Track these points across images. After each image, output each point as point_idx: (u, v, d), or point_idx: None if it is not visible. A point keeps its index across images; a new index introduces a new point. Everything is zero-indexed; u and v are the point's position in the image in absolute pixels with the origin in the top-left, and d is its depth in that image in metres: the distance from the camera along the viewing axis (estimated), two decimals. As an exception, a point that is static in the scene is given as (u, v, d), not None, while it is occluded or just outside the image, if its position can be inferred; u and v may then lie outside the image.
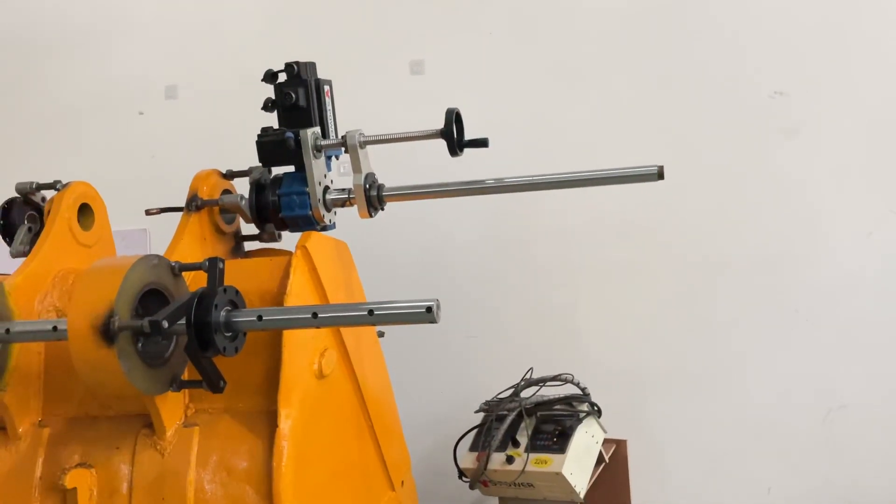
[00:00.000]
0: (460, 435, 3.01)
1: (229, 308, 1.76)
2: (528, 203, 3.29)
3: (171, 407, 1.92)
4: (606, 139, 3.43)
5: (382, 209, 2.28)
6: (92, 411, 2.01)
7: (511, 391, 3.05)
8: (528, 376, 3.08)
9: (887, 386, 3.30)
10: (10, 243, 2.32)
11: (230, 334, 1.75)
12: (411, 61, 3.64)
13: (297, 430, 1.89)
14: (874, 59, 3.29)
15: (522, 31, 3.57)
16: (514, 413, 2.91)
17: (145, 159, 3.85)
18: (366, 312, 1.66)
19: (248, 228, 2.40)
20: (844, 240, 3.33)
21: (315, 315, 1.71)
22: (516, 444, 2.85)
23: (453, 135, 2.22)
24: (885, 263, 3.30)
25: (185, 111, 3.86)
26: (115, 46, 3.96)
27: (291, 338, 1.94)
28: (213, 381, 1.79)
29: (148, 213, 2.39)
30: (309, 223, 2.25)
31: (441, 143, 2.24)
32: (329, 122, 2.34)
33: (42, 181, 2.32)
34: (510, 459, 2.80)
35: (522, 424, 2.89)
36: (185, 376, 1.88)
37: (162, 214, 2.35)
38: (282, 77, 2.27)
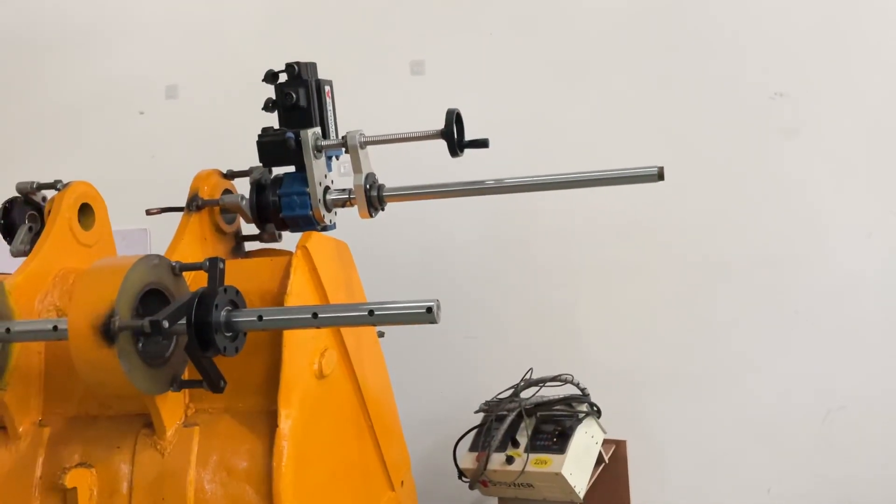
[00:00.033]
0: (460, 435, 3.01)
1: (230, 308, 1.76)
2: (528, 203, 3.28)
3: (172, 407, 1.92)
4: (607, 140, 3.43)
5: (383, 209, 2.28)
6: (92, 411, 2.01)
7: (511, 391, 3.05)
8: (527, 377, 3.08)
9: (886, 387, 3.30)
10: (10, 242, 2.33)
11: (231, 334, 1.75)
12: (412, 62, 3.64)
13: (297, 430, 1.89)
14: (874, 60, 3.29)
15: (523, 31, 3.57)
16: (514, 413, 2.91)
17: (146, 159, 3.85)
18: (366, 313, 1.66)
19: (249, 228, 2.40)
20: (844, 240, 3.33)
21: (315, 315, 1.71)
22: (516, 444, 2.85)
23: (454, 135, 2.22)
24: (885, 264, 3.30)
25: (186, 111, 3.86)
26: (116, 46, 3.95)
27: (292, 338, 1.94)
28: (213, 381, 1.79)
29: (148, 212, 2.39)
30: (309, 223, 2.25)
31: (441, 144, 2.24)
32: (329, 122, 2.34)
33: (42, 181, 2.33)
34: (510, 460, 2.80)
35: (522, 425, 2.89)
36: (186, 376, 1.88)
37: (162, 214, 2.35)
38: (282, 77, 2.27)
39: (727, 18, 3.40)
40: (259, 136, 2.27)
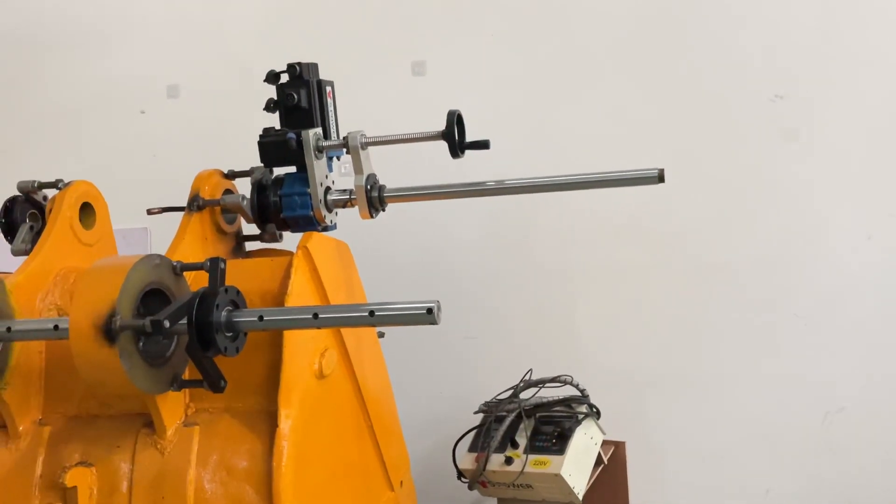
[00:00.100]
0: (459, 435, 3.02)
1: (230, 308, 1.76)
2: (529, 203, 3.28)
3: (172, 406, 1.92)
4: (607, 141, 3.43)
5: (383, 210, 2.29)
6: (92, 410, 2.01)
7: (510, 392, 3.06)
8: (527, 377, 3.09)
9: (885, 389, 3.30)
10: (11, 241, 2.33)
11: (231, 334, 1.75)
12: (413, 62, 3.64)
13: (297, 430, 1.89)
14: (874, 62, 3.29)
15: (524, 33, 3.57)
16: (514, 414, 2.91)
17: (147, 158, 3.85)
18: (367, 313, 1.66)
19: (250, 228, 2.40)
20: (844, 242, 3.33)
21: (316, 316, 1.71)
22: (515, 445, 2.86)
23: (455, 136, 2.23)
24: (885, 267, 3.30)
25: (187, 111, 3.85)
26: (117, 45, 3.95)
27: (292, 338, 1.94)
28: (213, 381, 1.79)
29: (149, 212, 2.39)
30: (310, 224, 2.25)
31: (442, 145, 2.24)
32: (331, 122, 2.34)
33: (44, 180, 2.33)
34: (509, 460, 2.80)
35: (521, 425, 2.89)
36: (186, 376, 1.88)
37: (163, 214, 2.35)
38: (284, 78, 2.28)
39: (727, 20, 3.41)
40: (260, 136, 2.28)
